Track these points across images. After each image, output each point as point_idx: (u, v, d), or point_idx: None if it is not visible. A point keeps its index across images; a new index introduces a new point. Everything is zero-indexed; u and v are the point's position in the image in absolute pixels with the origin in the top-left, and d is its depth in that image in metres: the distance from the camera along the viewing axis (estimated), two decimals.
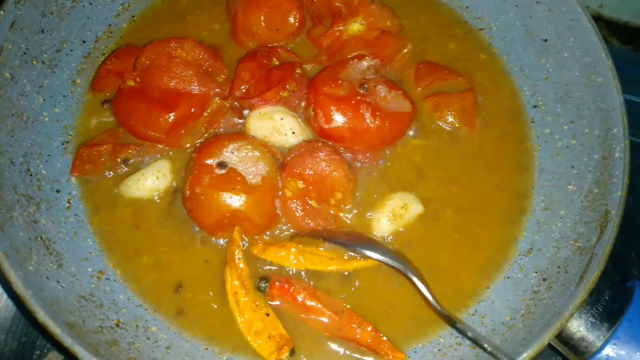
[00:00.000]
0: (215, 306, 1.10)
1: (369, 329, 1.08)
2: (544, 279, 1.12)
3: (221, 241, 1.15)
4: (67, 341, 0.90)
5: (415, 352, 1.10)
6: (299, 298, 1.08)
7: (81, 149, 1.20)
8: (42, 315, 0.91)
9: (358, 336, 1.08)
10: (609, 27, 1.79)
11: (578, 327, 1.03)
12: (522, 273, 1.16)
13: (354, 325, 1.08)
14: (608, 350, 1.01)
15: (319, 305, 1.08)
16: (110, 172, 1.20)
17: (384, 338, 1.08)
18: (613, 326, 1.02)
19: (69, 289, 1.04)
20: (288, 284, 1.10)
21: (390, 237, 1.17)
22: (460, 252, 1.19)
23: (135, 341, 1.04)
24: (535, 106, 1.32)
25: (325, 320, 1.09)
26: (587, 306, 1.04)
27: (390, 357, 1.07)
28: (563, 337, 1.05)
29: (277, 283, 1.10)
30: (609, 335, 1.02)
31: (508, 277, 1.17)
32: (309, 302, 1.09)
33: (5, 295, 1.29)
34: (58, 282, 1.03)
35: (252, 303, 1.08)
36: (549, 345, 1.02)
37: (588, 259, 1.05)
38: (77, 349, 0.90)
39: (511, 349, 1.00)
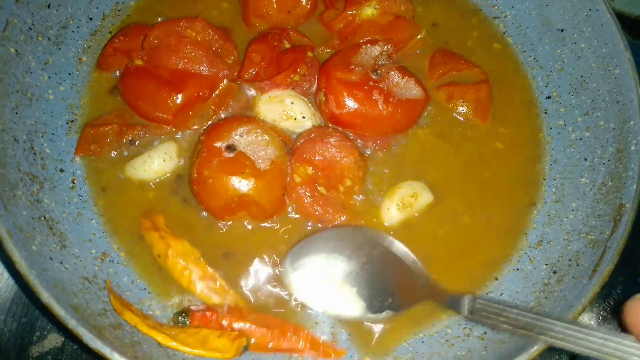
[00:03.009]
0: None
1: (305, 332, 1.05)
2: (555, 272, 1.10)
3: (225, 225, 1.14)
4: (72, 323, 0.88)
5: (423, 342, 1.09)
6: (224, 323, 1.02)
7: (86, 128, 1.17)
8: (46, 297, 0.89)
9: (296, 344, 1.04)
10: (620, 21, 1.77)
11: (589, 321, 1.02)
12: (531, 265, 1.15)
13: (289, 334, 1.04)
14: None
15: (247, 325, 1.03)
16: (116, 153, 1.17)
17: (321, 339, 1.06)
18: None
19: (73, 271, 1.02)
20: (210, 311, 1.03)
21: (397, 227, 1.16)
22: (469, 243, 1.17)
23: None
24: (548, 97, 1.30)
25: (258, 336, 1.03)
26: (598, 300, 1.03)
27: (332, 355, 1.05)
28: None
29: (197, 314, 1.03)
30: (620, 330, 1.00)
31: (517, 269, 1.16)
32: (236, 325, 1.03)
33: (5, 275, 1.26)
34: (61, 263, 1.01)
35: (179, 330, 1.00)
36: None
37: (601, 252, 1.04)
38: (82, 331, 0.88)
39: (522, 341, 0.99)
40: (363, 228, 1.12)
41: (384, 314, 1.04)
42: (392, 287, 1.06)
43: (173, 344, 0.96)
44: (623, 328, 0.78)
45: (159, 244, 1.08)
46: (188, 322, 1.02)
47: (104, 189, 1.15)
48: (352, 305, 1.05)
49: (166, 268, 1.08)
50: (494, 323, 0.90)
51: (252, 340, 1.03)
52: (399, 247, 1.07)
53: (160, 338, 0.96)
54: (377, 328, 1.09)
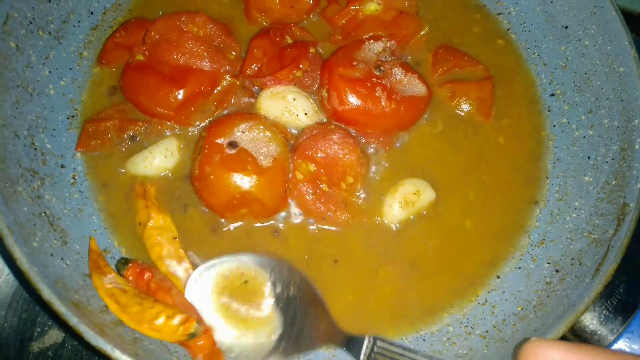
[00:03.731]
0: None
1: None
2: (557, 270, 1.10)
3: (226, 223, 1.13)
4: (73, 320, 0.87)
5: (424, 339, 1.09)
6: (152, 286, 1.00)
7: (87, 123, 1.16)
8: (47, 293, 0.88)
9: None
10: (623, 18, 1.76)
11: (591, 320, 1.02)
12: (534, 264, 1.15)
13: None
14: (621, 344, 1.00)
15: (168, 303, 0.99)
16: (117, 149, 1.16)
17: None
18: (627, 320, 1.01)
19: (74, 267, 1.01)
20: (149, 272, 1.02)
21: (399, 225, 1.15)
22: (471, 241, 1.17)
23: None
24: (552, 94, 1.29)
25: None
26: (601, 299, 1.03)
27: None
28: (575, 330, 1.04)
29: (136, 268, 1.02)
30: (622, 329, 1.01)
31: (519, 268, 1.15)
32: (158, 297, 0.99)
33: (5, 271, 1.26)
34: (62, 259, 1.00)
35: (134, 298, 0.97)
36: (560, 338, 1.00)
37: (604, 251, 1.04)
38: (83, 328, 0.87)
39: (523, 340, 0.99)
40: (281, 261, 1.07)
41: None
42: (298, 329, 1.01)
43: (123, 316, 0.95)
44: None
45: (143, 212, 1.09)
46: (124, 269, 1.01)
47: (104, 185, 1.15)
48: (262, 343, 1.00)
49: (142, 238, 1.09)
50: None
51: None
52: (310, 285, 1.04)
53: (113, 309, 0.94)
54: None
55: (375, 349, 0.95)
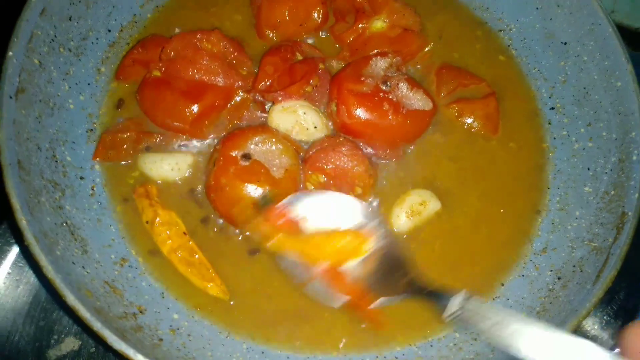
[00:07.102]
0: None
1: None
2: (559, 278, 1.14)
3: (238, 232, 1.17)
4: (97, 325, 0.91)
5: (432, 345, 1.13)
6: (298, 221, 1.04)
7: (104, 134, 1.20)
8: (71, 299, 0.92)
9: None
10: (620, 33, 1.81)
11: (593, 325, 1.06)
12: (537, 271, 1.18)
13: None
14: None
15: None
16: (133, 160, 1.21)
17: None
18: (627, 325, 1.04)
19: (94, 275, 1.05)
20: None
21: (407, 234, 1.20)
22: (476, 250, 1.21)
23: (158, 327, 1.05)
24: (552, 108, 1.34)
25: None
26: (602, 305, 1.06)
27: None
28: (577, 335, 1.07)
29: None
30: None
31: (523, 275, 1.19)
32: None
33: (23, 280, 1.29)
34: (83, 267, 1.04)
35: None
36: None
37: (604, 259, 1.08)
38: (107, 333, 0.91)
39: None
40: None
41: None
42: (380, 277, 1.07)
43: None
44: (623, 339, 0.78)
45: (149, 211, 1.15)
46: (269, 203, 1.06)
47: (122, 197, 1.19)
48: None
49: (152, 235, 1.14)
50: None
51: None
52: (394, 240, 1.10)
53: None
54: None
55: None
